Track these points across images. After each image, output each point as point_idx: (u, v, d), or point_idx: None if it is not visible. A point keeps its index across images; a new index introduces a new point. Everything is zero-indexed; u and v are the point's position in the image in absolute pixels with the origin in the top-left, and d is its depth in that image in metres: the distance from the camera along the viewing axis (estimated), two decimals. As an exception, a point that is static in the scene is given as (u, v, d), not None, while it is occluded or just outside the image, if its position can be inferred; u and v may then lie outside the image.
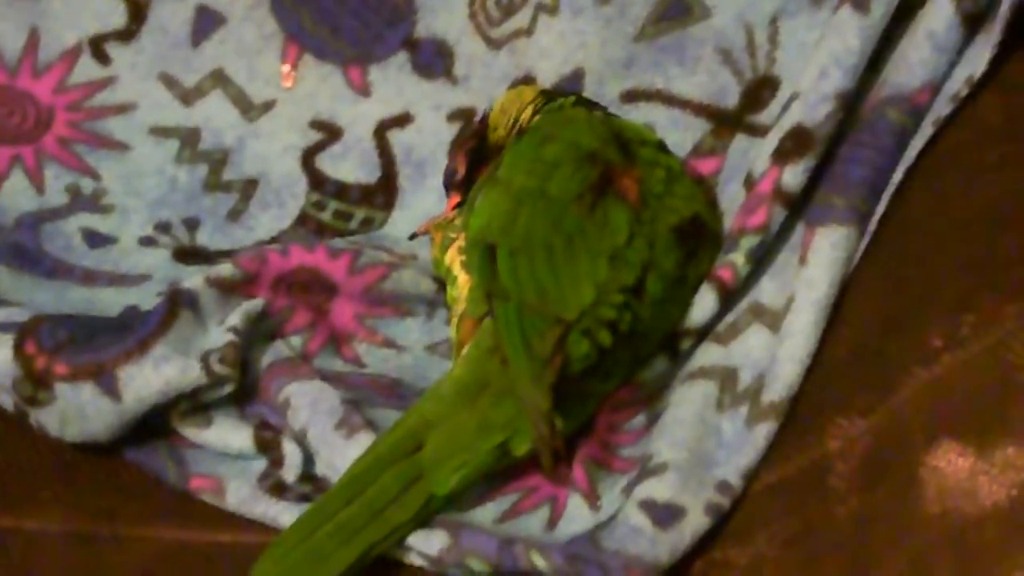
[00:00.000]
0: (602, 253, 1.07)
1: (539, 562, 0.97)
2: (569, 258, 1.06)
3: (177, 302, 1.12)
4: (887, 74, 1.09)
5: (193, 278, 1.14)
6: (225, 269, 1.15)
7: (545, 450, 1.00)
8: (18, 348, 1.10)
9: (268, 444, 1.10)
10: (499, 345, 1.04)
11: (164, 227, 1.30)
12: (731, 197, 1.17)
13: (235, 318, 1.13)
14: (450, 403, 1.04)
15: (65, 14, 1.36)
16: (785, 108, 1.11)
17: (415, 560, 1.02)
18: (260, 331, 1.15)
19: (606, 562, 0.96)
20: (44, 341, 1.10)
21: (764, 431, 1.02)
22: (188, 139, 1.34)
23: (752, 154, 1.17)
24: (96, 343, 1.10)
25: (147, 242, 1.29)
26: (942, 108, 1.07)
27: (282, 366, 1.13)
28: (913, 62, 1.08)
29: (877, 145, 1.07)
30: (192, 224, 1.30)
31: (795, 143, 1.09)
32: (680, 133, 1.24)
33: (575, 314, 1.04)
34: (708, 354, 1.09)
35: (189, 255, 1.28)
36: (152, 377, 1.08)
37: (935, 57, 1.07)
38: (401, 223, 1.29)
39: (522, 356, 1.01)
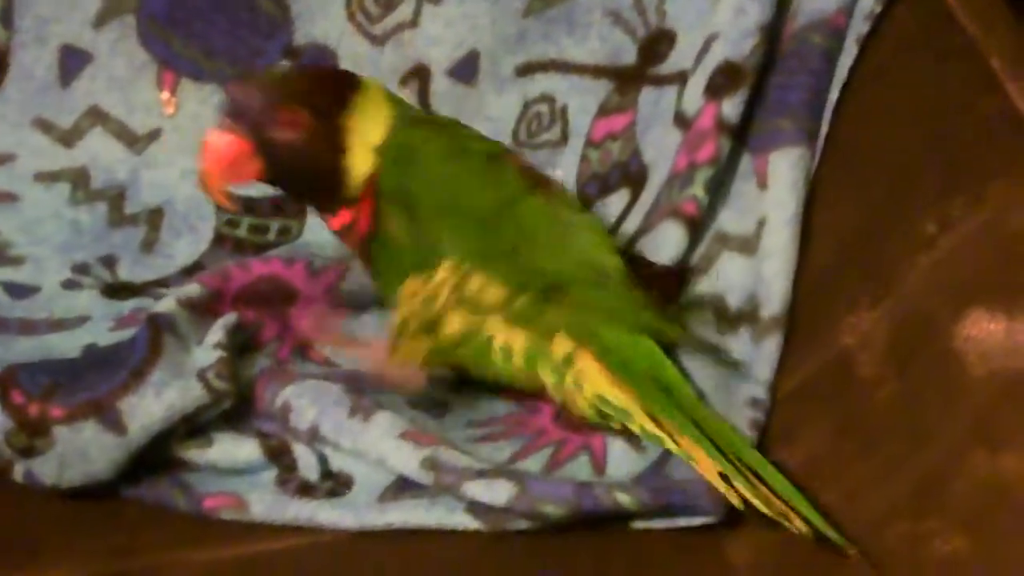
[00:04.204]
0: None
1: (623, 499, 1.00)
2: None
3: (158, 328, 1.10)
4: (799, 3, 1.17)
5: (165, 302, 1.13)
6: (192, 289, 1.14)
7: None
8: (3, 399, 1.06)
9: (277, 450, 1.09)
10: None
11: (82, 268, 1.27)
12: (657, 141, 1.22)
13: (216, 335, 1.11)
14: None
15: None
16: (704, 50, 1.17)
17: (468, 523, 1.03)
18: (238, 345, 1.14)
19: (687, 488, 1.00)
20: (29, 388, 1.06)
21: (772, 344, 1.08)
22: (78, 180, 1.31)
23: (664, 102, 1.23)
24: (85, 382, 1.07)
25: (70, 285, 1.26)
26: (860, 26, 1.15)
27: (269, 375, 1.12)
28: (824, -12, 1.15)
29: (809, 68, 1.14)
30: (109, 261, 1.28)
31: (726, 78, 1.15)
32: (582, 96, 1.29)
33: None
34: (693, 286, 1.14)
35: (118, 290, 1.26)
36: (154, 404, 1.06)
37: None
38: (317, 228, 1.29)
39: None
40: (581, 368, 1.07)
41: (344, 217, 1.11)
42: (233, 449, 1.10)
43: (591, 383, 1.07)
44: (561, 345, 1.07)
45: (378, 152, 1.09)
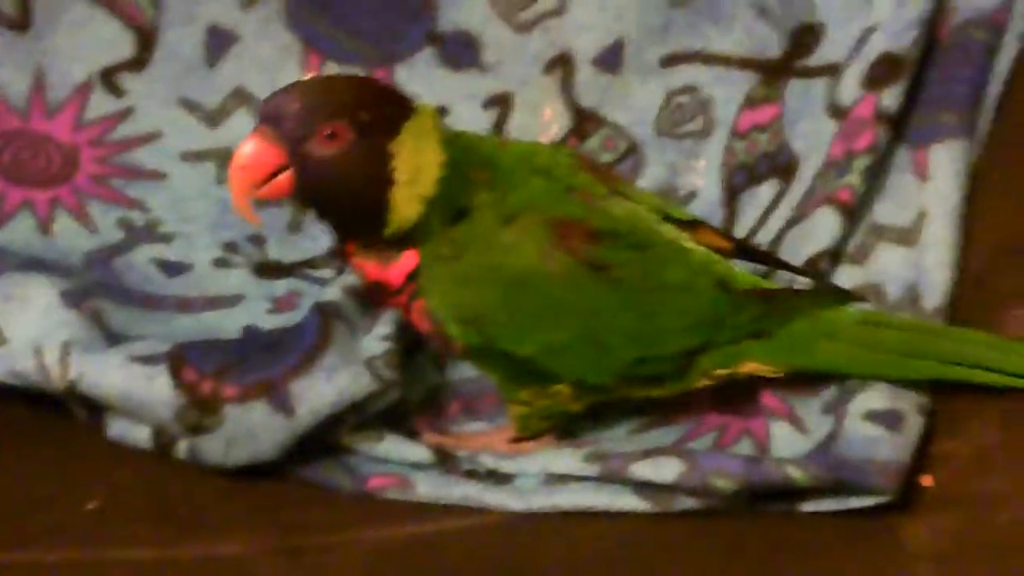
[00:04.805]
0: None
1: (795, 473, 1.00)
2: None
3: (327, 314, 1.11)
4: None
5: (331, 291, 1.14)
6: (354, 278, 1.15)
7: None
8: (175, 376, 1.07)
9: (445, 456, 1.10)
10: None
11: (232, 247, 1.28)
12: (808, 132, 1.23)
13: (385, 327, 1.11)
14: None
15: (69, 50, 1.34)
16: (862, 42, 1.19)
17: (635, 504, 1.04)
18: (406, 344, 1.14)
19: (860, 467, 1.00)
20: (202, 366, 1.07)
21: (938, 334, 1.09)
22: (224, 160, 1.32)
23: (813, 93, 1.24)
24: (256, 362, 1.08)
25: (221, 263, 1.27)
26: (1021, 23, 1.16)
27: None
28: (986, -17, 1.17)
29: (971, 62, 1.16)
30: (258, 240, 1.29)
31: (886, 70, 1.17)
32: (727, 88, 1.30)
33: None
34: (849, 275, 1.15)
35: (268, 271, 1.27)
36: (325, 388, 1.06)
37: None
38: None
39: None
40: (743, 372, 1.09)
41: (400, 269, 1.04)
42: (403, 447, 1.10)
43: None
44: (708, 377, 1.09)
45: (426, 204, 1.02)
